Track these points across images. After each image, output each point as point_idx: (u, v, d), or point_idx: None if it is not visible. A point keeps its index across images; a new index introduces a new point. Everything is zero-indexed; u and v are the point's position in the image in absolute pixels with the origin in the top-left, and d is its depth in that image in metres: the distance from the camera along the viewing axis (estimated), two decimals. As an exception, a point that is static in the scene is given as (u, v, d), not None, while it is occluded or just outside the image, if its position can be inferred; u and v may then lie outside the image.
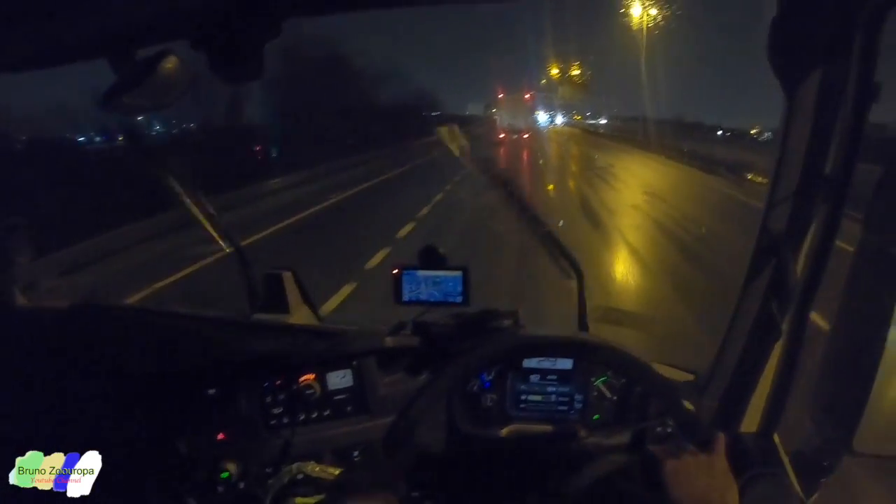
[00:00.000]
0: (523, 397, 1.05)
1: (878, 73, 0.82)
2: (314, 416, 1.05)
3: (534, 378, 1.04)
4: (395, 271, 1.05)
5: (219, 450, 1.05)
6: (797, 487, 0.92)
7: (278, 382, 1.05)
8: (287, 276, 1.14)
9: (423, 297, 1.06)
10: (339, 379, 1.05)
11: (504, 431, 1.02)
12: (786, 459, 0.96)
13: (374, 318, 1.17)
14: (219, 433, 1.05)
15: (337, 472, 1.02)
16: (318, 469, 1.05)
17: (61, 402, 1.06)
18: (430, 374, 0.89)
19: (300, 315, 1.14)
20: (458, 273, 1.04)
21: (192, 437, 1.05)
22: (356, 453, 1.04)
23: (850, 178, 0.88)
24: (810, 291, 0.93)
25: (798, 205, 0.91)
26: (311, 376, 1.04)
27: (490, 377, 1.05)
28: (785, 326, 0.93)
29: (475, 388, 1.05)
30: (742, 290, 0.96)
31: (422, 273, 1.05)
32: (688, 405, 0.89)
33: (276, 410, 1.05)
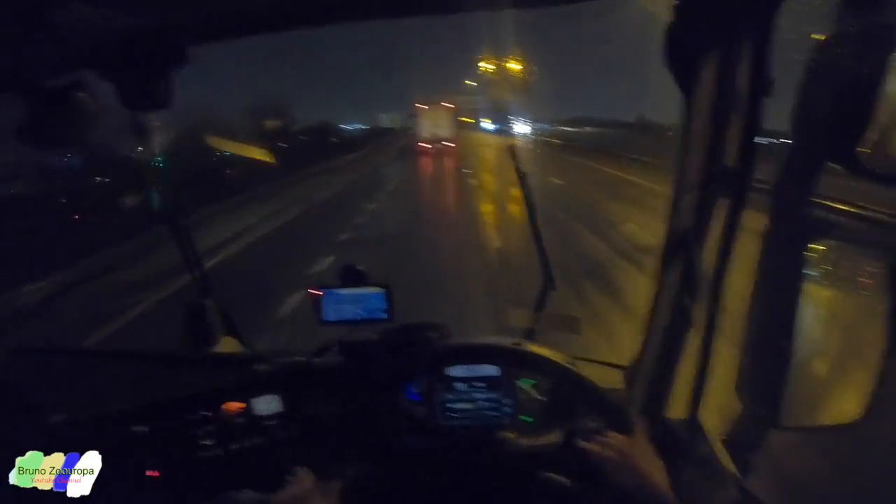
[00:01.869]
0: (452, 406, 1.05)
1: (773, 70, 0.84)
2: (245, 444, 1.04)
3: (461, 386, 1.05)
4: (313, 292, 1.04)
5: (152, 488, 1.03)
6: (730, 466, 0.94)
7: (207, 414, 1.03)
8: (210, 306, 1.12)
9: (347, 315, 1.05)
10: (267, 405, 1.03)
11: (435, 441, 1.03)
12: (716, 441, 0.98)
13: (302, 340, 1.15)
14: (150, 470, 1.03)
15: (273, 498, 1.01)
16: (253, 497, 1.04)
17: None
18: (357, 392, 0.88)
19: (225, 344, 1.12)
20: (381, 290, 1.03)
21: (125, 478, 1.03)
22: (290, 478, 1.03)
23: (749, 170, 0.90)
24: (720, 279, 0.95)
25: (701, 198, 0.92)
26: (238, 405, 1.03)
27: (418, 390, 1.05)
28: (699, 315, 0.95)
29: (404, 402, 1.05)
30: (656, 283, 0.98)
31: (343, 292, 1.04)
32: (614, 398, 0.91)
33: (207, 442, 1.03)
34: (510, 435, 1.03)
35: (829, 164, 0.86)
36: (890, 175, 0.74)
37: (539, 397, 1.05)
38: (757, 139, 0.88)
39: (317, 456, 0.91)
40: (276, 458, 1.04)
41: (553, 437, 1.02)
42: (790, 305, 0.91)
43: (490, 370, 1.03)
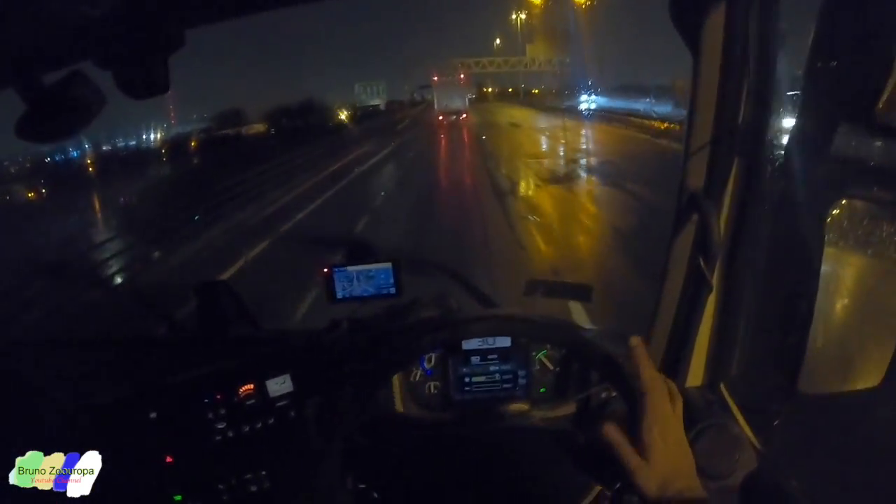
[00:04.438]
0: (467, 380, 1.04)
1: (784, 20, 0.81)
2: (258, 425, 1.03)
3: (475, 359, 1.03)
4: (324, 270, 1.03)
5: (168, 473, 1.02)
6: (749, 434, 0.92)
7: (218, 397, 1.02)
8: (221, 287, 1.11)
9: (356, 292, 1.04)
10: (279, 385, 1.02)
11: (449, 414, 1.01)
12: (735, 409, 0.97)
13: (312, 319, 1.15)
14: (165, 456, 1.02)
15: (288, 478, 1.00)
16: (269, 479, 1.04)
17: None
18: (368, 368, 0.87)
19: (235, 325, 1.11)
20: (389, 265, 1.02)
21: (140, 464, 1.02)
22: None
23: (763, 128, 0.87)
24: (736, 243, 0.93)
25: (714, 158, 0.90)
26: (250, 386, 1.02)
27: (430, 364, 1.04)
28: (715, 280, 0.93)
29: (417, 376, 1.04)
30: (668, 247, 0.96)
31: (352, 268, 1.03)
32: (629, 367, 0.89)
33: (220, 425, 1.02)
34: (524, 407, 1.02)
35: (845, 121, 0.83)
36: None
37: (553, 368, 1.03)
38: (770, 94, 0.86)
39: (329, 434, 0.89)
40: (289, 439, 1.03)
41: (568, 409, 1.01)
42: (809, 269, 0.88)
43: (503, 341, 1.02)
